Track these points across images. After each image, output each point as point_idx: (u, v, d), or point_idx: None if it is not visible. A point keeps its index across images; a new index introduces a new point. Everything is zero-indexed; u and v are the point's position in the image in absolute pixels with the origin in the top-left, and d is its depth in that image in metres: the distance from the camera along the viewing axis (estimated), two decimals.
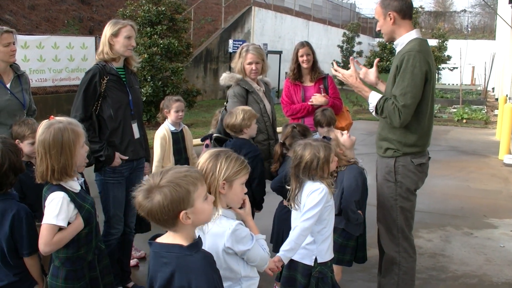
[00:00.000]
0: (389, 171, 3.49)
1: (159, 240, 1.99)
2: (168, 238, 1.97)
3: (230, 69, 4.66)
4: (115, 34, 3.74)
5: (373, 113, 3.48)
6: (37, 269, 2.72)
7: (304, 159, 3.01)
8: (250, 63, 4.39)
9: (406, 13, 3.44)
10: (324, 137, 3.19)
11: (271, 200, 4.18)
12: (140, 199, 1.88)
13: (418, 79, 3.27)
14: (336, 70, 3.70)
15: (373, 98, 3.43)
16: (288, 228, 3.39)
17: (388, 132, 3.48)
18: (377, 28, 3.58)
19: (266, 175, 4.34)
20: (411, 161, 3.46)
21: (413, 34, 3.45)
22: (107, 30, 3.76)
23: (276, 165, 3.92)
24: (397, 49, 3.52)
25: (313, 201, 2.97)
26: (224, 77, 4.49)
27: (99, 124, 3.73)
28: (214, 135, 4.32)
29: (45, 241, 2.51)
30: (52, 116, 2.68)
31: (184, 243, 1.93)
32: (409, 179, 3.48)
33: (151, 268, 2.01)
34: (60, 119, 2.65)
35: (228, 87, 4.50)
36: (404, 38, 3.45)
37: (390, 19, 3.42)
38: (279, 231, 3.91)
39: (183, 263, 1.89)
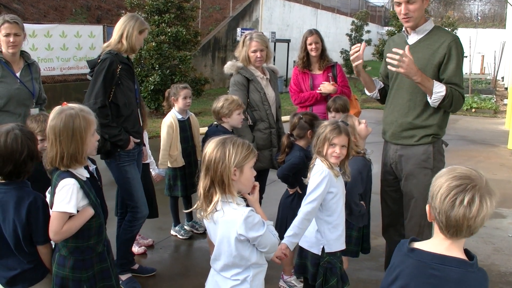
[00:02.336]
0: (426, 158, 3.45)
1: (423, 247, 1.83)
2: (439, 247, 1.79)
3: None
4: (140, 32, 3.81)
5: (436, 103, 3.30)
6: (50, 258, 2.72)
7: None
8: (254, 51, 4.38)
9: None
10: (342, 121, 3.16)
11: (278, 189, 4.18)
12: (474, 207, 1.67)
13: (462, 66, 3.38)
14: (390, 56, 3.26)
15: (440, 87, 3.27)
16: (292, 215, 3.37)
17: (426, 118, 3.43)
18: (412, 12, 3.29)
19: (266, 163, 4.36)
20: (442, 144, 3.51)
21: (432, 21, 3.45)
22: (135, 25, 3.77)
23: (282, 156, 3.90)
24: (415, 36, 3.44)
25: (313, 183, 2.96)
26: (227, 66, 4.53)
27: (111, 111, 3.76)
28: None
29: (55, 230, 2.52)
30: (65, 102, 2.69)
31: (462, 255, 1.76)
32: (442, 162, 3.50)
33: (408, 275, 1.80)
34: (72, 106, 2.65)
35: (231, 75, 4.52)
36: (427, 25, 3.42)
37: (425, 2, 3.35)
38: (283, 218, 3.94)
39: (463, 280, 1.72)
